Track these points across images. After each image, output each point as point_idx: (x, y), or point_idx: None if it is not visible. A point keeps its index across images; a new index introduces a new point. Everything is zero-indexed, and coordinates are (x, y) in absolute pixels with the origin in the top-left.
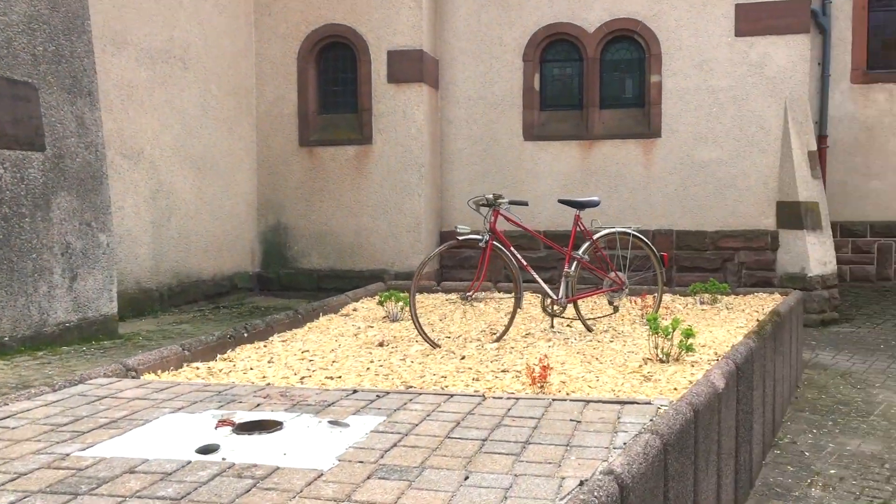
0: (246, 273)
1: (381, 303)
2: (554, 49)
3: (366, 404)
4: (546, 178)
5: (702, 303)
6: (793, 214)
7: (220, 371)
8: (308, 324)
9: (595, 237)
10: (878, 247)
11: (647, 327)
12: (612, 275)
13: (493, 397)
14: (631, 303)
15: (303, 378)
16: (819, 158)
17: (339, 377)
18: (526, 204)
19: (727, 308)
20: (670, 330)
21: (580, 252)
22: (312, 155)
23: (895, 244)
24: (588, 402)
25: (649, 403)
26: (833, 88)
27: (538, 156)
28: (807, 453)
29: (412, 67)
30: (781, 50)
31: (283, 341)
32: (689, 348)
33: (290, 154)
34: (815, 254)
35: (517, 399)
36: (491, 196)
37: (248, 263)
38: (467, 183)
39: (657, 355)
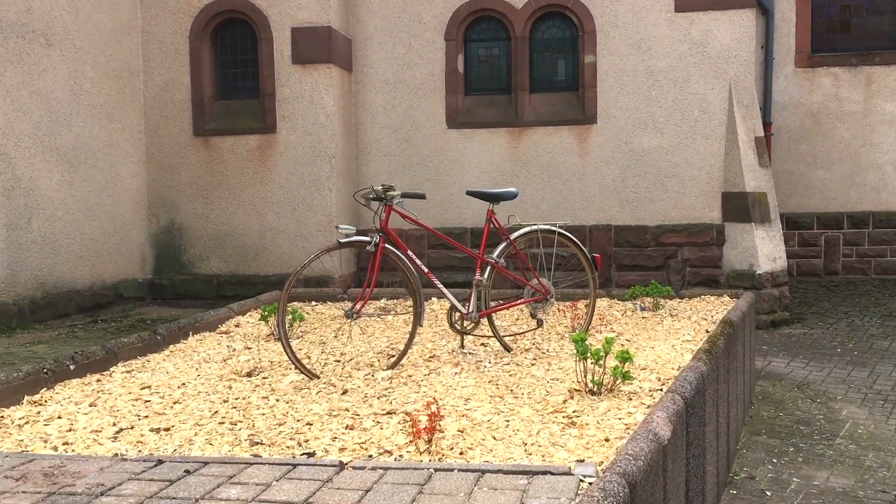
0: (134, 281)
1: (264, 318)
2: (479, 27)
3: (160, 489)
4: (472, 169)
5: (642, 308)
6: (739, 206)
7: (14, 423)
8: (172, 345)
9: (513, 237)
10: (826, 239)
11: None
12: (535, 282)
13: (354, 467)
14: (560, 312)
15: (120, 432)
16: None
17: (169, 429)
18: (423, 197)
19: (671, 315)
20: (602, 354)
21: (494, 255)
22: (209, 146)
23: (843, 236)
24: (483, 472)
25: (569, 474)
26: (777, 73)
27: (463, 145)
28: (768, 492)
29: (320, 47)
30: (725, 27)
31: (128, 372)
32: (627, 376)
33: (183, 145)
34: (765, 249)
35: (385, 470)
36: (380, 188)
37: (137, 269)
38: (386, 175)
39: (587, 385)
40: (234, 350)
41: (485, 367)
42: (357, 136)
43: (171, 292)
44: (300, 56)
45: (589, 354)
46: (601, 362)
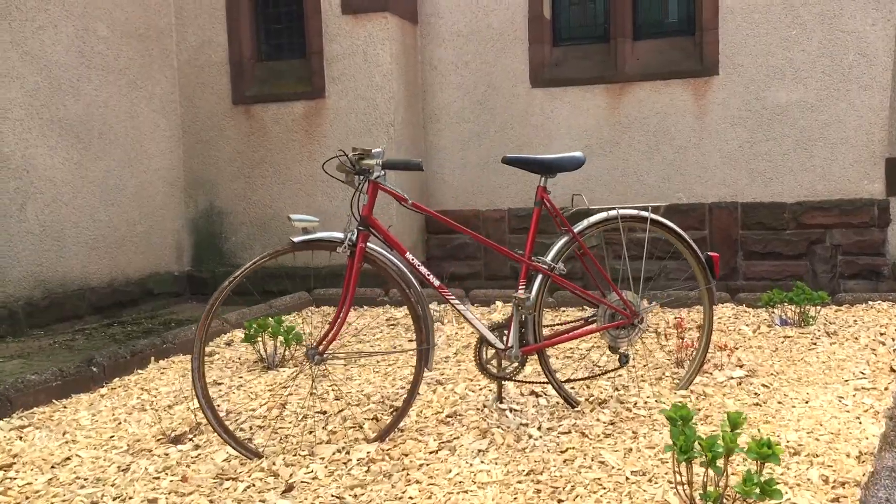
0: (169, 275)
1: (249, 338)
2: None
3: None
4: (562, 136)
5: (783, 322)
6: None
7: None
8: (118, 378)
9: (577, 228)
10: None
11: (683, 389)
12: (614, 298)
13: None
14: (661, 335)
15: None
16: None
17: None
18: (419, 168)
19: (827, 333)
20: (720, 450)
21: (548, 258)
22: (250, 116)
23: None
24: None
25: None
26: None
27: (551, 107)
28: None
29: None
30: None
31: (19, 429)
32: (768, 489)
33: (221, 115)
34: None
35: None
36: (352, 154)
37: (171, 261)
38: (459, 147)
39: (692, 500)
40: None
41: (528, 437)
42: (424, 100)
43: (213, 286)
44: (351, 4)
45: (699, 450)
46: (718, 464)
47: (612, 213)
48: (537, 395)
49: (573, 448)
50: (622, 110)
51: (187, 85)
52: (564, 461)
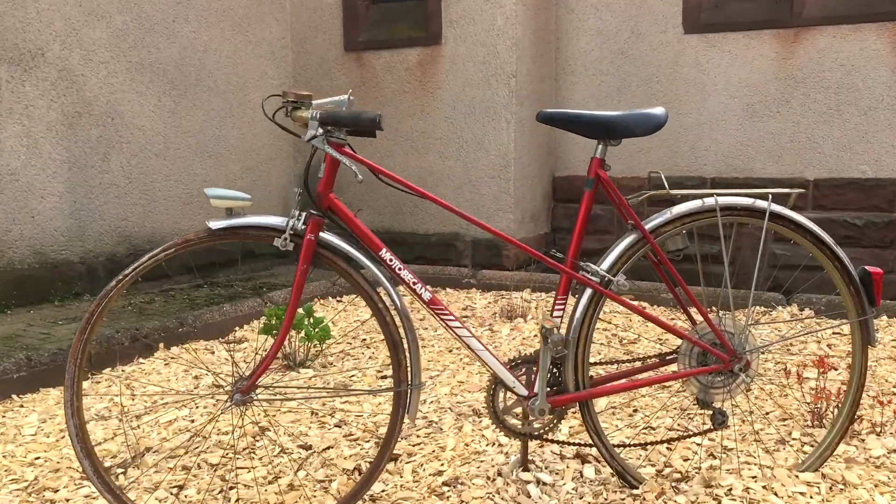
0: None
1: (267, 330)
2: None
3: None
4: (719, 92)
5: None
6: None
7: None
8: (110, 368)
9: (650, 225)
10: None
11: (812, 469)
12: (704, 329)
13: None
14: (791, 372)
15: None
16: None
17: None
18: (374, 124)
19: None
20: None
21: (603, 267)
22: (361, 63)
23: None
24: None
25: None
26: None
27: (706, 57)
28: None
29: None
30: None
31: None
32: None
33: (332, 62)
34: None
35: None
36: (284, 102)
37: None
38: (594, 104)
39: None
40: (198, 387)
41: None
42: (557, 48)
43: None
44: None
45: None
46: None
47: (709, 200)
48: (584, 460)
49: None
50: (796, 61)
51: (299, 30)
52: None
